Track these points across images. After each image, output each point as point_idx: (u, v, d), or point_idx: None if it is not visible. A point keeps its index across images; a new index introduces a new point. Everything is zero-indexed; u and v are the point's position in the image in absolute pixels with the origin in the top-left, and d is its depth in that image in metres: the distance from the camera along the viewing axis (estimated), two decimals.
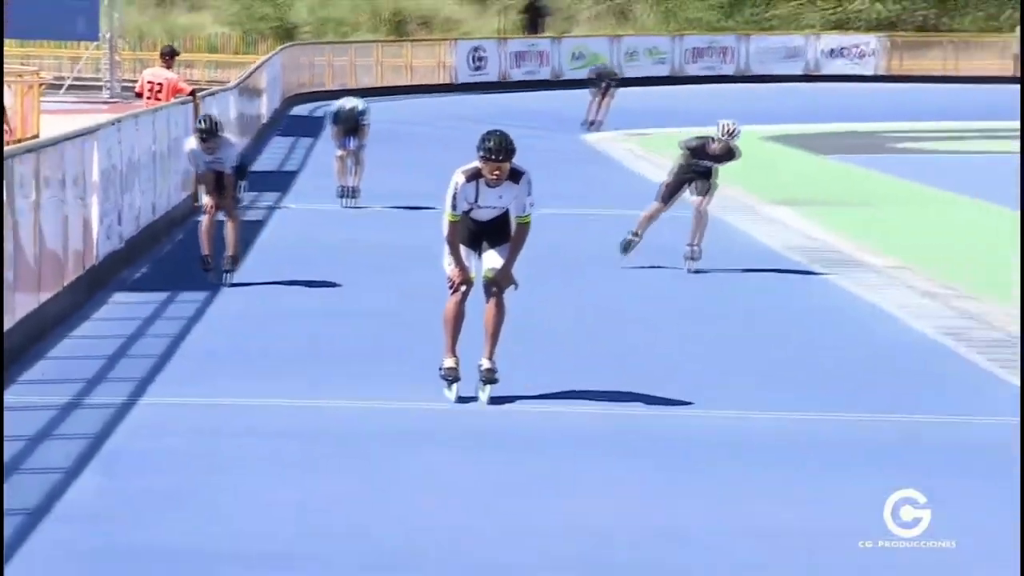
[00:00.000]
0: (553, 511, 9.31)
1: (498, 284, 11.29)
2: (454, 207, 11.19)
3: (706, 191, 17.87)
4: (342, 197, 23.36)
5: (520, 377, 12.30)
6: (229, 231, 16.28)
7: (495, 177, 10.98)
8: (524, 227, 11.34)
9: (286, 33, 61.11)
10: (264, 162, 30.49)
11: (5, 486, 8.65)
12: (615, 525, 9.01)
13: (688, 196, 18.15)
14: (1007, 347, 14.30)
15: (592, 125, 39.25)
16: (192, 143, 16.55)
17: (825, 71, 61.22)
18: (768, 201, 21.18)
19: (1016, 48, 62.43)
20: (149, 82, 26.20)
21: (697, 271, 17.79)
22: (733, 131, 17.81)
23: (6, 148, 13.67)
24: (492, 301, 11.34)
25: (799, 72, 60.53)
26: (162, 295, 15.37)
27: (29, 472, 9.58)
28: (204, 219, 16.35)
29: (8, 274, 12.03)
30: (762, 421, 11.56)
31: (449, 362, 11.40)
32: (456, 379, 11.39)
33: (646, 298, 16.84)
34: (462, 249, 11.47)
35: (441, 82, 53.56)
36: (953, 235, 22.51)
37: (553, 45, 57.75)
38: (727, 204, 23.85)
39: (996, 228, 23.20)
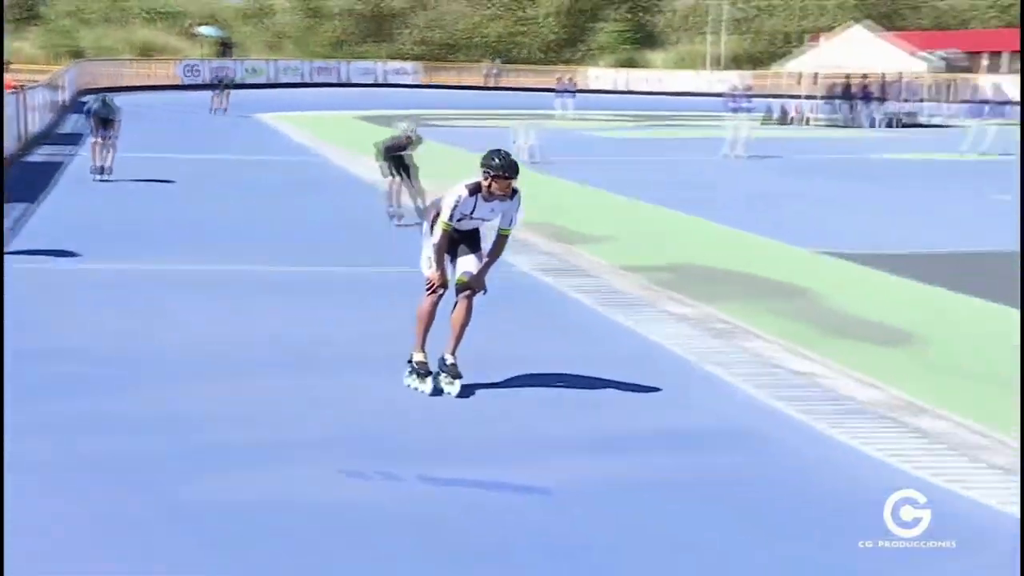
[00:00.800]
0: (260, 326, 8.98)
1: (471, 288, 7.35)
2: (451, 217, 7.20)
3: (409, 172, 14.70)
4: (96, 173, 18.20)
5: (239, 253, 11.96)
6: None
7: (503, 193, 7.17)
8: (505, 239, 7.41)
9: (78, 53, 58.94)
10: (64, 127, 28.69)
11: None
12: (290, 333, 8.74)
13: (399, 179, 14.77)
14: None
15: (217, 111, 36.67)
16: None
17: (389, 81, 62.30)
18: (361, 153, 20.86)
19: (486, 69, 64.92)
20: None
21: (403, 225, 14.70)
22: (415, 129, 15.05)
23: None
24: (463, 303, 7.35)
25: (372, 82, 61.30)
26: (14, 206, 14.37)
27: None
28: None
29: None
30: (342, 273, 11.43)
31: (419, 356, 7.36)
32: (428, 372, 7.32)
33: (316, 209, 16.43)
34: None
35: (170, 84, 52.10)
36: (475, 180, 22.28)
37: (237, 63, 56.94)
38: (352, 157, 23.54)
39: (533, 184, 22.89)
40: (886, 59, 41.39)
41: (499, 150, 7.23)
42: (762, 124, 34.08)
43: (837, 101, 41.05)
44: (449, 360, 7.26)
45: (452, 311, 7.30)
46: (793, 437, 6.48)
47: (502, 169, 7.11)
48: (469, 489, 5.54)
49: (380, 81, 62.11)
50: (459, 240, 7.38)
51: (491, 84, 63.34)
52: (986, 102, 31.61)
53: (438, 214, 7.25)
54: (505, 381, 7.49)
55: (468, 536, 5.01)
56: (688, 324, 9.24)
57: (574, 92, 43.26)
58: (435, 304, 7.35)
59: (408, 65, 65.76)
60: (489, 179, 7.12)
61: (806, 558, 4.88)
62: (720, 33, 68.70)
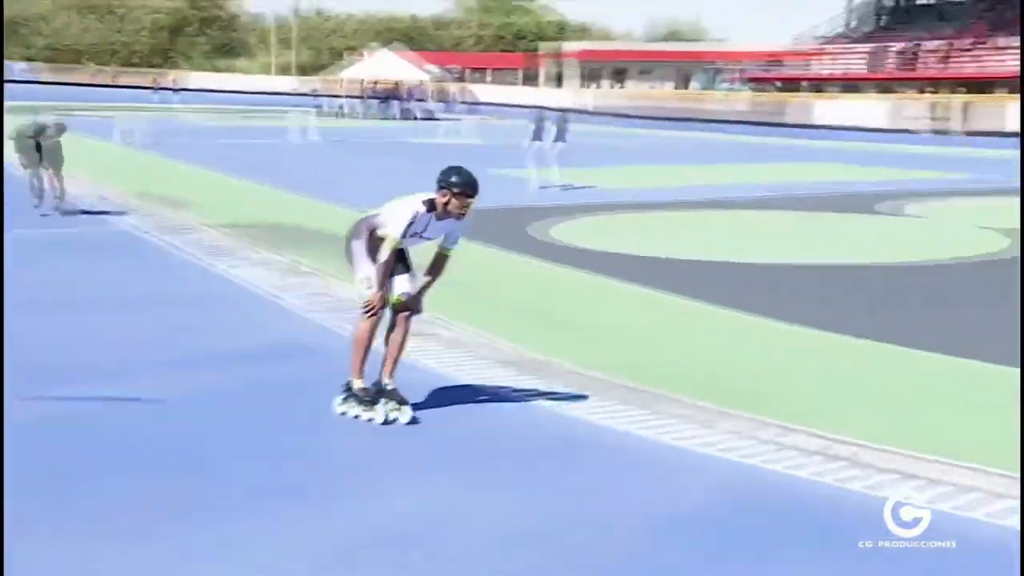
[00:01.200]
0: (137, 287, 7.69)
1: (410, 309, 5.08)
2: (403, 234, 4.91)
3: (49, 161, 11.81)
4: None
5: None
6: None
7: (460, 212, 4.94)
8: (447, 259, 5.10)
9: None
10: None
11: None
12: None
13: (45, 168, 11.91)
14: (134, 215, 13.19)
15: None
16: None
17: (16, 78, 56.30)
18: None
19: (97, 71, 59.65)
20: None
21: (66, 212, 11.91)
22: (57, 121, 12.06)
23: None
24: (403, 324, 5.08)
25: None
26: None
27: None
28: None
29: None
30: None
31: (360, 383, 5.01)
32: (374, 400, 4.98)
33: None
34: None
35: None
36: (125, 169, 19.91)
37: None
38: None
39: (140, 161, 21.02)
40: (406, 71, 44.18)
41: (459, 167, 5.01)
42: (317, 116, 34.28)
43: (374, 100, 42.72)
44: (390, 385, 5.05)
45: (388, 332, 5.11)
46: (340, 344, 6.55)
47: (464, 187, 4.92)
48: (101, 403, 5.22)
49: (9, 78, 55.45)
50: (396, 259, 5.07)
51: (105, 83, 58.50)
52: (466, 103, 33.89)
53: (373, 231, 5.01)
54: (131, 316, 7.06)
55: (99, 436, 4.76)
56: (265, 267, 9.06)
57: (176, 90, 40.79)
58: (375, 326, 5.00)
59: (32, 65, 59.45)
60: (448, 196, 4.92)
61: (351, 432, 4.96)
62: (290, 47, 70.02)
